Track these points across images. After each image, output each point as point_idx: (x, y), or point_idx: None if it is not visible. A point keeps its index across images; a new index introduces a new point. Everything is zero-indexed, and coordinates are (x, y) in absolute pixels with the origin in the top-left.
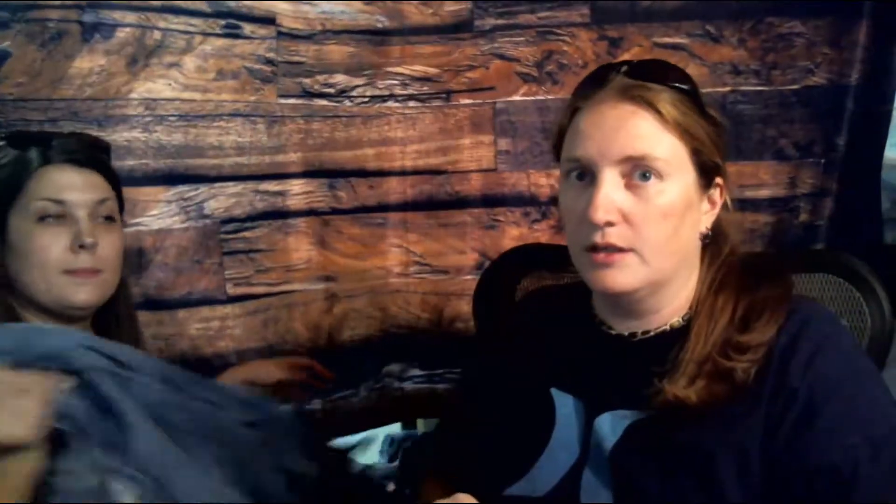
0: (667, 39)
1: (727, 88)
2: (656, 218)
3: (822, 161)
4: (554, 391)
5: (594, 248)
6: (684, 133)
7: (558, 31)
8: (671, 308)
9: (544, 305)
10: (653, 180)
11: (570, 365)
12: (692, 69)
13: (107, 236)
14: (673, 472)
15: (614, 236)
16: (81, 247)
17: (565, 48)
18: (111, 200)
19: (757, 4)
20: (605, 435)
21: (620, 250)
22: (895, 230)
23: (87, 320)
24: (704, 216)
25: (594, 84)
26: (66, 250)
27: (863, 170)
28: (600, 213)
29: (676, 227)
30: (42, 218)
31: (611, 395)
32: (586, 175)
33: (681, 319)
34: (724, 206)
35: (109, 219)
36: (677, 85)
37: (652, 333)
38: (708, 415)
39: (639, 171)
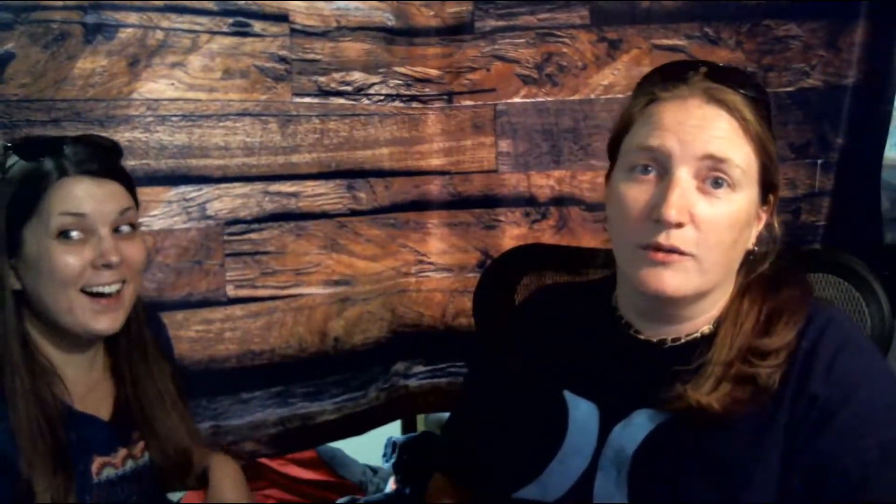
0: (665, 41)
1: None
2: (724, 227)
3: (819, 162)
4: (567, 394)
5: (650, 247)
6: (760, 146)
7: (558, 32)
8: (705, 317)
9: (558, 303)
10: (724, 189)
11: (588, 368)
12: None
13: (130, 247)
14: (694, 477)
15: (680, 239)
16: (106, 266)
17: (565, 50)
18: (132, 209)
19: (754, 7)
20: (626, 440)
21: (681, 254)
22: (895, 230)
23: None
24: (753, 231)
25: (674, 78)
26: (87, 267)
27: (863, 170)
28: (674, 213)
29: (735, 240)
30: (62, 234)
31: (631, 401)
32: (653, 169)
33: (711, 327)
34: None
35: (131, 227)
36: (759, 96)
37: (682, 341)
38: (731, 420)
39: (712, 176)
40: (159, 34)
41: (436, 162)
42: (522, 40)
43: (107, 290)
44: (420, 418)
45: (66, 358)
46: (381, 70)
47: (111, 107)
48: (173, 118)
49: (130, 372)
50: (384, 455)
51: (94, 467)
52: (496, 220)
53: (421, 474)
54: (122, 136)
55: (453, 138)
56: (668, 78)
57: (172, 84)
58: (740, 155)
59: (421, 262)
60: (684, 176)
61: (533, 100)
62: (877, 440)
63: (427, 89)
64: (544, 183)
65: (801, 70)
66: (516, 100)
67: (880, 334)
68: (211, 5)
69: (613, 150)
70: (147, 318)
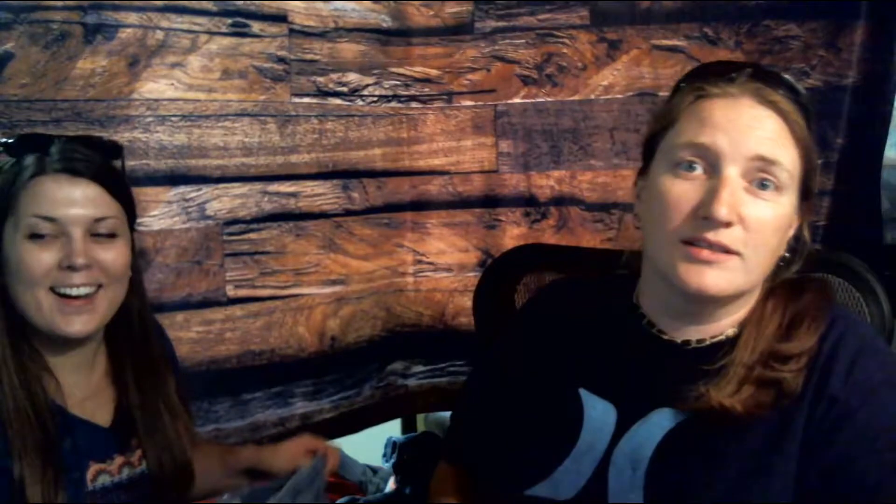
0: (665, 41)
1: None
2: (770, 229)
3: (819, 162)
4: (583, 392)
5: (693, 243)
6: (805, 151)
7: (558, 33)
8: (731, 319)
9: (573, 300)
10: (770, 191)
11: (606, 366)
12: None
13: (107, 252)
14: (712, 478)
15: (727, 237)
16: (70, 267)
17: (565, 50)
18: (113, 218)
19: (754, 7)
20: (644, 439)
21: (727, 252)
22: (895, 230)
23: (96, 334)
24: (788, 236)
25: (721, 77)
26: (54, 267)
27: (862, 170)
28: (725, 211)
29: (778, 243)
30: (32, 235)
31: (650, 401)
32: (699, 166)
33: (735, 329)
34: (798, 233)
35: (110, 235)
36: (804, 101)
37: (707, 343)
38: (751, 422)
39: (759, 178)
40: (159, 34)
41: (435, 162)
42: (522, 41)
43: (74, 291)
44: (420, 418)
45: (62, 360)
46: (375, 71)
47: (111, 107)
48: (173, 118)
49: (133, 379)
50: (384, 455)
51: (90, 474)
52: (496, 220)
53: (421, 474)
54: (122, 136)
55: (453, 138)
56: (712, 74)
57: (172, 84)
58: (788, 158)
59: (420, 261)
60: (734, 175)
61: (533, 100)
62: (893, 443)
63: (427, 89)
64: (544, 183)
65: (801, 70)
66: (516, 100)
67: (880, 334)
68: (210, 6)
69: (651, 147)
70: (155, 328)
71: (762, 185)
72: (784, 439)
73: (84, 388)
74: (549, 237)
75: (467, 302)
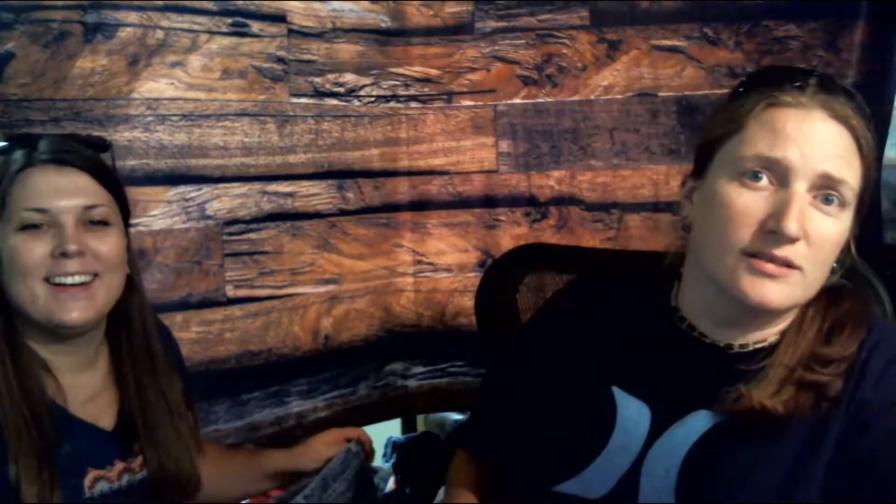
0: (665, 42)
1: (724, 91)
2: (831, 245)
3: None
4: (616, 390)
5: (756, 255)
6: (868, 171)
7: (558, 33)
8: (778, 327)
9: (606, 298)
10: (834, 206)
11: (641, 367)
12: (689, 72)
13: (100, 241)
14: (747, 480)
15: (793, 252)
16: (63, 255)
17: (565, 51)
18: (104, 206)
19: (754, 7)
20: (679, 440)
21: (790, 266)
22: (895, 230)
23: (95, 330)
24: None
25: (790, 84)
26: (48, 257)
27: None
28: (794, 227)
29: (834, 257)
30: (24, 227)
31: (688, 403)
32: (765, 177)
33: (778, 336)
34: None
35: (103, 223)
36: (869, 115)
37: (750, 348)
38: (788, 425)
39: (824, 194)
40: (159, 34)
41: (435, 162)
42: (522, 41)
43: (69, 280)
44: (420, 418)
45: (61, 359)
46: (372, 72)
47: (111, 106)
48: (173, 118)
49: (134, 380)
50: (384, 455)
51: (87, 481)
52: (496, 220)
53: (421, 474)
54: (122, 135)
55: (453, 138)
56: (785, 83)
57: (172, 83)
58: (853, 176)
59: (420, 262)
60: (802, 190)
61: (533, 100)
62: None
63: (426, 89)
64: (544, 183)
65: None
66: (516, 100)
67: None
68: (210, 5)
69: (709, 151)
70: (157, 329)
71: (826, 199)
72: (821, 442)
73: (86, 390)
74: (549, 237)
75: (467, 302)
